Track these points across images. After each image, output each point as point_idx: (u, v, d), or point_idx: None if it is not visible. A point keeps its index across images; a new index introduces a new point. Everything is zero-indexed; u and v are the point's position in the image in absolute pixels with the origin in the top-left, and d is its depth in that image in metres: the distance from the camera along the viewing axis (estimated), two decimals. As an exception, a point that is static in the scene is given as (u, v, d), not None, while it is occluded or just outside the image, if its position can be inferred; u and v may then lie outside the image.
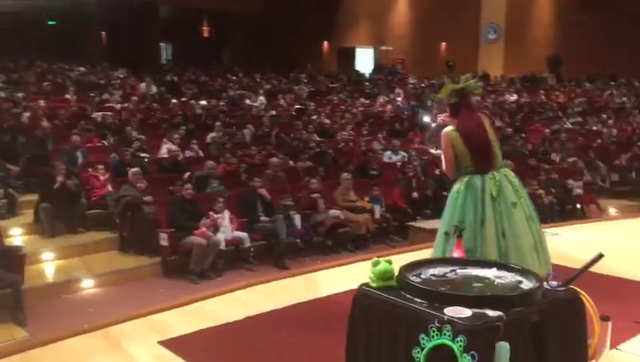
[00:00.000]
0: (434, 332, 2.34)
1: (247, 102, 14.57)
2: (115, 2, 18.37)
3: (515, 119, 15.69)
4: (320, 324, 4.10)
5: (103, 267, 6.86)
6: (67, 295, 6.21)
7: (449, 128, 3.61)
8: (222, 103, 14.05)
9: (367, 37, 24.65)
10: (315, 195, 8.16)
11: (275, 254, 7.39)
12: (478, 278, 2.80)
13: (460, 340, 2.24)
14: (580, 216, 10.29)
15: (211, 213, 7.15)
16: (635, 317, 3.78)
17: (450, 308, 2.39)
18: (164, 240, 6.85)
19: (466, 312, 2.35)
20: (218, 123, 11.04)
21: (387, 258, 2.79)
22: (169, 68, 19.50)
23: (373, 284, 2.71)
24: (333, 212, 8.07)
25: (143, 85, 15.32)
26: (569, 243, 6.14)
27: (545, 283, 2.60)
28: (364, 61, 24.66)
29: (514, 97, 19.05)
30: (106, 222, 7.90)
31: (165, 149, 9.32)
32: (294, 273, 5.37)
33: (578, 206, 10.38)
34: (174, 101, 13.77)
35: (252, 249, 7.27)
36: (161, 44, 23.19)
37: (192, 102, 13.27)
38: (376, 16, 24.20)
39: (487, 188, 3.63)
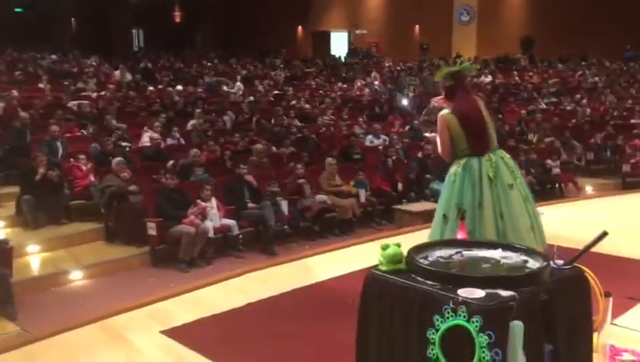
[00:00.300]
0: (448, 313, 2.38)
1: (225, 88, 14.42)
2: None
3: (491, 100, 15.86)
4: (316, 310, 4.16)
5: (90, 258, 6.78)
6: (56, 287, 6.14)
7: (445, 111, 3.64)
8: (200, 90, 13.87)
9: (341, 21, 24.58)
10: (301, 181, 8.17)
11: (263, 241, 7.39)
12: (484, 259, 2.85)
13: (476, 320, 2.29)
14: (559, 195, 10.54)
15: (199, 201, 7.11)
16: (627, 292, 3.90)
17: (464, 289, 2.43)
18: (152, 229, 6.79)
19: (480, 293, 2.40)
20: (198, 110, 10.93)
21: (395, 241, 2.83)
22: (142, 55, 19.16)
23: (383, 268, 2.74)
24: (320, 197, 8.10)
25: (117, 73, 15.06)
26: (553, 222, 6.24)
27: (551, 262, 2.66)
28: (339, 45, 24.59)
29: (489, 78, 19.23)
30: (89, 212, 7.81)
31: (147, 138, 9.21)
32: (287, 259, 5.39)
33: (557, 185, 10.60)
34: (151, 88, 13.58)
35: (241, 236, 7.25)
36: (133, 30, 22.75)
37: (170, 89, 13.08)
38: (350, 1, 24.12)
39: (484, 170, 3.69)
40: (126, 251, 7.06)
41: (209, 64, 18.36)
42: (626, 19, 22.50)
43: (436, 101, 4.09)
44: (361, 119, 12.04)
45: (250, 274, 4.99)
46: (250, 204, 7.58)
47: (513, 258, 2.87)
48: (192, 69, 17.40)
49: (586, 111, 14.63)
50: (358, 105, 13.87)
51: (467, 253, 2.94)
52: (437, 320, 2.43)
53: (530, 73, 20.71)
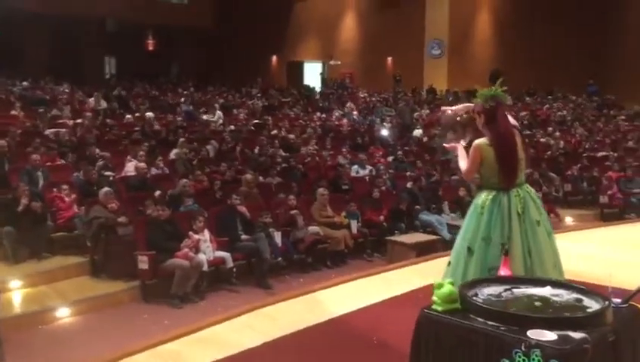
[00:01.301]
0: (520, 357, 2.28)
1: (205, 117, 14.24)
2: (57, 15, 17.58)
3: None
4: (338, 349, 3.99)
5: (76, 294, 6.43)
6: (43, 326, 5.79)
7: (482, 140, 3.57)
8: (179, 118, 13.66)
9: (315, 51, 24.80)
10: (293, 212, 8.02)
11: (258, 273, 7.18)
12: (536, 297, 2.77)
13: (553, 364, 2.19)
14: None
15: (191, 233, 6.88)
16: None
17: (533, 330, 2.34)
18: (143, 263, 6.51)
19: (551, 335, 2.31)
20: (182, 139, 10.71)
21: (448, 280, 2.73)
22: (115, 82, 18.85)
23: (439, 308, 2.63)
24: (313, 228, 7.96)
25: (91, 100, 14.73)
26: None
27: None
28: (313, 75, 24.75)
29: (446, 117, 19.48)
30: (73, 245, 7.48)
31: (131, 167, 8.94)
32: (295, 294, 5.20)
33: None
34: (129, 116, 13.30)
35: (235, 269, 7.03)
36: (105, 57, 22.43)
37: (150, 115, 12.82)
38: (325, 31, 24.42)
39: (512, 206, 3.62)
40: (114, 286, 6.73)
41: (185, 92, 18.18)
42: (588, 55, 23.41)
43: (451, 110, 4.03)
44: (344, 149, 11.99)
45: (259, 310, 4.79)
46: (244, 236, 7.38)
47: (564, 296, 2.80)
48: (167, 97, 17.18)
49: (559, 144, 14.96)
50: (339, 136, 13.87)
51: (517, 291, 2.86)
52: (506, 364, 2.33)
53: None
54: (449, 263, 3.85)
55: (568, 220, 11.29)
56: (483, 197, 3.66)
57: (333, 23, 24.72)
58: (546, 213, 3.92)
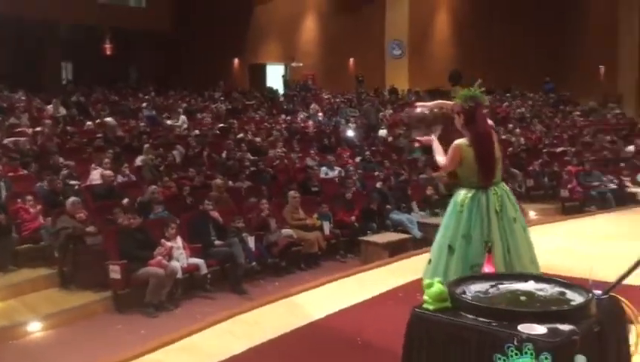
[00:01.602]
0: (512, 351, 2.34)
1: (169, 122, 14.05)
2: (9, 21, 17.04)
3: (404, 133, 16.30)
4: (324, 352, 4.00)
5: (46, 307, 6.27)
6: (14, 341, 5.62)
7: (462, 140, 3.63)
8: (142, 124, 13.43)
9: (277, 53, 24.74)
10: (264, 214, 8.01)
11: (233, 279, 7.14)
12: (521, 292, 2.84)
13: (545, 358, 2.26)
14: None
15: (163, 240, 6.78)
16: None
17: (524, 325, 2.41)
18: (115, 272, 6.39)
19: (541, 329, 2.38)
20: (147, 145, 10.54)
21: (437, 279, 2.78)
22: (72, 88, 18.38)
23: (430, 307, 2.67)
24: (286, 231, 7.96)
25: (49, 107, 14.33)
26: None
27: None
28: (275, 77, 24.68)
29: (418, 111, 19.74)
30: (39, 257, 7.28)
31: (96, 175, 8.74)
32: (274, 298, 5.18)
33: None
34: (89, 123, 13.02)
35: (209, 275, 6.96)
36: (62, 63, 21.85)
37: (111, 122, 12.57)
38: (286, 33, 24.39)
39: (490, 204, 3.71)
40: (85, 297, 6.58)
41: (146, 97, 17.87)
42: (545, 53, 24.08)
43: (422, 107, 4.08)
44: (312, 151, 12.02)
45: (240, 316, 4.76)
46: (217, 241, 7.32)
47: (548, 290, 2.88)
48: (128, 102, 16.86)
49: (520, 140, 15.34)
50: (305, 138, 13.88)
51: (503, 287, 2.93)
52: (499, 359, 2.38)
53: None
54: (429, 261, 3.92)
55: (532, 214, 11.59)
56: (462, 196, 3.73)
57: (294, 25, 24.72)
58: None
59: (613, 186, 11.65)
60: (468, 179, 3.72)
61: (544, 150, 14.49)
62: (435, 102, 4.22)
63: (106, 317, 6.33)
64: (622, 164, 13.02)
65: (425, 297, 2.71)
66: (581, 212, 10.93)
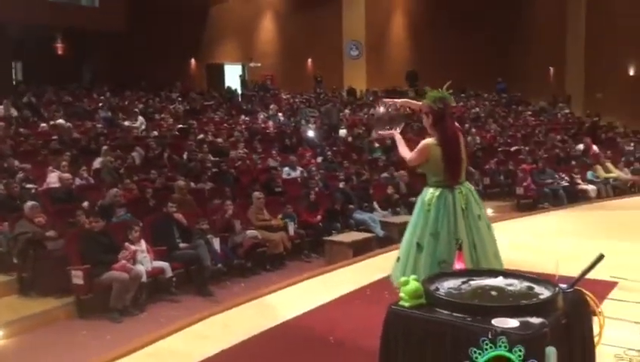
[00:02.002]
0: (487, 345, 2.44)
1: (127, 123, 13.79)
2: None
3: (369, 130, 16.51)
4: (298, 351, 4.04)
5: (6, 314, 6.09)
6: (-28, 351, 5.44)
7: (430, 140, 3.74)
8: (99, 126, 13.14)
9: (235, 53, 24.60)
10: (228, 215, 7.99)
11: (198, 281, 7.09)
12: (492, 287, 2.95)
13: (519, 350, 2.36)
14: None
15: (127, 244, 6.68)
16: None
17: (497, 319, 2.51)
18: (78, 277, 6.26)
19: (514, 322, 2.49)
20: (105, 147, 10.33)
21: (413, 276, 2.86)
22: (23, 88, 17.81)
23: (406, 304, 2.75)
24: (251, 232, 7.95)
25: (0, 108, 13.85)
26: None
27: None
28: (233, 77, 24.52)
29: (382, 110, 19.99)
30: (-5, 263, 7.06)
31: (54, 178, 8.53)
32: (244, 300, 5.19)
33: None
34: (43, 125, 12.67)
35: (174, 279, 6.90)
36: (12, 62, 21.11)
37: (69, 125, 12.27)
38: (243, 33, 24.28)
39: (457, 202, 3.84)
40: (46, 303, 6.42)
41: (101, 98, 17.48)
42: (497, 54, 24.74)
43: (388, 103, 4.16)
44: (274, 152, 12.02)
45: (210, 318, 4.75)
46: (182, 244, 7.26)
47: (517, 285, 3.01)
48: (83, 103, 16.45)
49: (475, 140, 15.73)
50: (266, 138, 13.87)
51: (474, 283, 3.03)
52: (474, 352, 2.48)
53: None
54: (398, 258, 4.01)
55: (489, 211, 11.90)
56: (429, 195, 3.85)
57: (252, 25, 24.64)
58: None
59: (565, 184, 12.11)
60: (435, 178, 3.83)
61: (499, 149, 14.91)
62: (402, 100, 4.33)
63: (68, 323, 6.19)
64: (573, 162, 13.53)
65: (401, 294, 2.79)
66: (535, 209, 11.32)
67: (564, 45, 22.70)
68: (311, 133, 14.53)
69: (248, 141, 13.04)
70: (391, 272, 4.08)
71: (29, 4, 17.52)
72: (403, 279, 2.81)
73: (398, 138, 4.00)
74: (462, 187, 3.89)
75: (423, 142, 3.76)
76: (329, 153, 12.25)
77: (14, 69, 21.39)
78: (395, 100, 4.22)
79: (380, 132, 4.27)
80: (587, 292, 2.94)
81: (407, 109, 4.40)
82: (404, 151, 3.96)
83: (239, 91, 22.14)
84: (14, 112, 13.78)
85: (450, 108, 3.84)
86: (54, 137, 11.50)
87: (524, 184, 12.24)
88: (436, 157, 3.74)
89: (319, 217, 8.94)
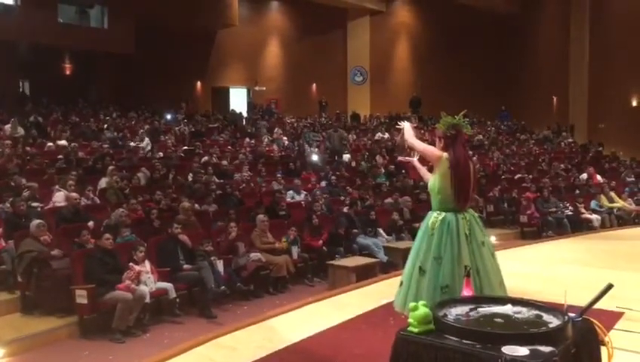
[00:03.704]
0: (497, 372, 2.44)
1: (132, 144, 13.88)
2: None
3: (392, 156, 16.63)
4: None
5: (8, 333, 6.08)
6: (-25, 370, 5.42)
7: (445, 154, 3.78)
8: (105, 146, 13.23)
9: (240, 77, 24.85)
10: (231, 236, 8.00)
11: (201, 303, 7.07)
12: (499, 315, 2.96)
13: (528, 378, 2.37)
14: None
15: (132, 264, 6.69)
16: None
17: (507, 346, 2.52)
18: (82, 297, 6.26)
19: (524, 350, 2.49)
20: (111, 167, 10.39)
21: (421, 302, 2.87)
22: (31, 108, 17.97)
23: (415, 330, 2.76)
24: (255, 255, 7.95)
25: (7, 127, 13.97)
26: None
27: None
28: (239, 100, 24.73)
29: (386, 135, 20.18)
30: (-1, 281, 7.08)
31: (60, 197, 8.57)
32: (248, 322, 5.17)
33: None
34: (50, 144, 12.77)
35: (178, 300, 6.89)
36: (20, 81, 21.31)
37: (74, 144, 12.36)
38: (249, 58, 24.56)
39: (460, 227, 3.86)
40: (49, 322, 6.42)
41: (107, 118, 17.63)
42: (500, 81, 24.95)
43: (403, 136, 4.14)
44: (279, 175, 12.07)
45: (216, 340, 4.74)
46: (185, 265, 7.26)
47: (525, 313, 3.02)
48: (90, 123, 16.58)
49: (478, 167, 15.79)
50: (270, 161, 13.94)
51: (482, 310, 3.04)
52: (484, 379, 2.48)
53: (422, 130, 22.04)
54: (401, 283, 4.02)
55: (492, 239, 11.88)
56: (432, 219, 3.88)
57: (258, 50, 24.94)
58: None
59: (569, 212, 12.11)
60: (441, 201, 3.86)
61: (503, 177, 14.95)
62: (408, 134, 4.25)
63: (71, 343, 6.18)
64: (577, 191, 13.55)
65: (410, 320, 2.79)
66: (539, 237, 11.32)
67: (568, 75, 22.89)
68: (315, 157, 14.60)
69: (252, 164, 13.11)
70: (394, 297, 4.09)
71: (39, 24, 17.77)
72: (412, 305, 2.82)
73: (418, 166, 4.07)
74: (466, 213, 3.92)
75: (439, 152, 3.82)
76: (333, 177, 12.29)
77: (22, 89, 21.56)
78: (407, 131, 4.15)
79: (400, 158, 4.42)
80: (596, 322, 2.94)
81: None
82: (426, 174, 4.09)
83: (244, 114, 22.32)
84: (21, 131, 13.88)
85: (463, 135, 3.88)
86: (60, 156, 11.58)
87: (528, 212, 12.24)
88: (445, 174, 3.76)
89: (322, 241, 8.92)
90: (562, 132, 21.63)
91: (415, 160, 4.07)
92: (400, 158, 4.30)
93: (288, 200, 10.70)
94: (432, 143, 4.13)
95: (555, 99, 23.96)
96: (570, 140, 20.85)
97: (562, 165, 16.28)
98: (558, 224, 11.81)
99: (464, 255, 3.84)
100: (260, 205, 9.45)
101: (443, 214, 3.83)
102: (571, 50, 22.87)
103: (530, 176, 14.69)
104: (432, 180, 3.93)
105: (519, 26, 24.80)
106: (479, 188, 13.67)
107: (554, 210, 12.08)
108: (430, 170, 4.14)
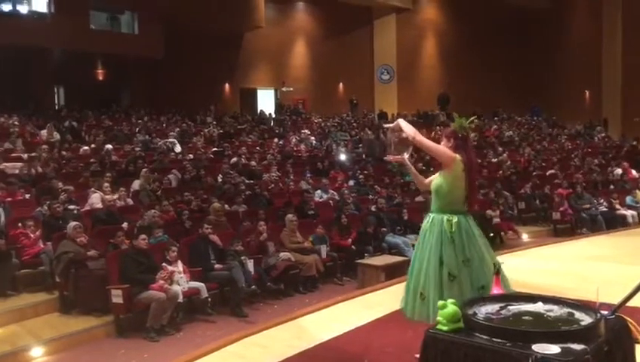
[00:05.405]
0: (528, 370, 2.44)
1: (165, 145, 14.10)
2: (4, 46, 17.10)
3: (420, 155, 16.52)
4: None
5: (48, 332, 6.27)
6: (17, 367, 5.61)
7: (457, 155, 3.66)
8: (137, 149, 13.49)
9: (267, 78, 25.00)
10: (262, 237, 8.09)
11: (233, 302, 7.17)
12: (530, 313, 2.95)
13: (560, 376, 2.36)
14: (499, 244, 11.04)
15: (165, 264, 6.82)
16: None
17: (538, 345, 2.51)
18: (117, 297, 6.41)
19: (555, 348, 2.48)
20: (145, 170, 10.59)
21: (449, 300, 2.88)
22: (67, 113, 18.43)
23: (444, 328, 2.77)
24: (284, 254, 8.02)
25: (43, 132, 14.36)
26: (517, 270, 6.48)
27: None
28: (266, 101, 24.90)
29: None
30: (38, 282, 7.30)
31: (96, 199, 8.78)
32: (279, 321, 5.24)
33: (499, 234, 11.13)
34: (86, 148, 13.08)
35: (209, 299, 7.00)
36: (54, 87, 21.87)
37: (108, 147, 12.64)
38: (276, 58, 24.70)
39: (473, 227, 3.78)
40: (86, 322, 6.59)
41: (139, 121, 17.95)
42: (530, 77, 24.58)
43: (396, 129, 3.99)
44: (307, 175, 12.14)
45: (247, 339, 4.81)
46: (217, 265, 7.37)
47: (557, 311, 3.00)
48: (122, 127, 16.91)
49: (507, 163, 15.57)
50: (298, 161, 14.02)
51: (512, 308, 3.03)
52: (515, 377, 2.48)
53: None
54: (422, 296, 3.70)
55: (524, 237, 11.77)
56: (446, 224, 3.66)
57: (284, 50, 25.07)
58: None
59: (603, 208, 11.89)
60: (449, 204, 3.71)
61: (534, 173, 14.74)
62: (397, 124, 3.88)
63: (108, 341, 6.33)
64: (611, 187, 13.28)
65: (439, 318, 2.81)
66: (573, 234, 11.14)
67: (600, 68, 22.43)
68: (342, 157, 14.62)
69: (281, 164, 13.20)
70: (411, 311, 3.77)
71: (72, 31, 18.19)
72: (441, 303, 2.83)
73: (409, 165, 3.89)
74: (469, 215, 3.82)
75: (451, 153, 3.65)
76: (361, 176, 12.29)
77: (57, 95, 22.11)
78: (391, 125, 3.92)
79: (388, 157, 4.02)
80: (629, 320, 2.90)
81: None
82: (417, 176, 3.95)
83: (272, 115, 22.47)
84: (57, 136, 14.25)
85: (470, 139, 3.82)
86: (93, 160, 11.85)
87: (561, 209, 12.05)
88: (459, 176, 3.65)
89: (351, 240, 8.94)
90: (596, 126, 21.20)
91: (406, 158, 3.82)
92: (389, 157, 4.04)
93: (316, 199, 10.75)
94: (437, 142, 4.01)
95: (587, 93, 23.51)
96: (603, 135, 20.43)
97: (596, 160, 15.97)
98: (592, 220, 11.60)
99: (486, 253, 3.78)
100: (289, 205, 9.52)
101: (456, 216, 3.69)
102: (604, 44, 22.41)
103: (562, 173, 14.43)
104: (440, 181, 3.70)
105: (549, 20, 24.41)
106: (509, 185, 13.53)
107: (588, 206, 11.87)
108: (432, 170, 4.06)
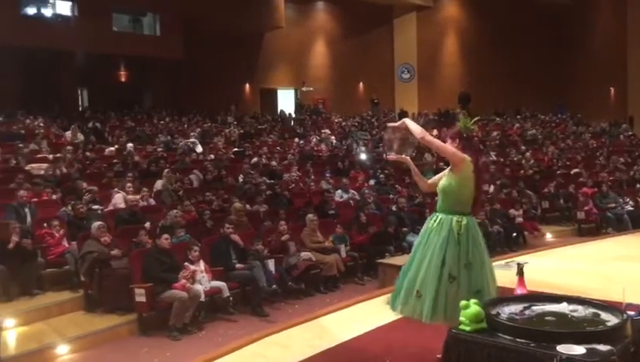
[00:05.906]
0: (552, 371, 2.41)
1: (188, 146, 14.22)
2: (27, 48, 17.43)
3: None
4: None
5: (73, 330, 6.35)
6: (44, 365, 5.70)
7: (467, 157, 3.61)
8: (159, 149, 13.63)
9: (287, 78, 25.06)
10: (284, 238, 8.11)
11: (254, 301, 7.20)
12: (555, 314, 2.92)
13: (586, 377, 2.32)
14: (522, 243, 10.90)
15: (187, 263, 6.88)
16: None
17: (563, 345, 2.48)
18: (141, 295, 6.48)
19: (580, 349, 2.45)
20: (167, 170, 10.69)
21: (473, 300, 2.86)
22: (90, 114, 18.72)
23: (467, 328, 2.75)
24: (305, 254, 8.04)
25: (68, 133, 14.58)
26: (541, 270, 6.38)
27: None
28: (286, 101, 24.97)
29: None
30: (63, 280, 7.41)
31: (119, 199, 8.89)
32: (300, 321, 5.26)
33: (522, 233, 10.99)
34: (111, 148, 13.26)
35: (231, 298, 7.04)
36: (78, 89, 22.21)
37: (130, 147, 12.80)
38: (296, 58, 24.74)
39: (478, 230, 3.72)
40: (110, 320, 6.66)
41: (161, 122, 18.13)
42: (553, 73, 24.23)
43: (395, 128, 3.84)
44: (328, 174, 12.14)
45: (268, 338, 4.83)
46: (238, 265, 7.41)
47: (582, 311, 2.96)
48: (144, 127, 17.10)
49: (530, 162, 15.38)
50: (319, 161, 14.02)
51: (536, 308, 3.00)
52: (539, 378, 2.45)
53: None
54: (418, 294, 3.64)
55: (548, 236, 11.61)
56: (456, 224, 3.61)
57: (304, 50, 25.10)
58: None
59: (629, 208, 11.68)
60: (456, 205, 3.65)
61: (558, 172, 14.53)
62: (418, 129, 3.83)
63: (131, 340, 6.40)
64: (637, 186, 13.03)
65: (461, 318, 2.79)
66: (598, 234, 10.96)
67: (626, 65, 22.02)
68: (363, 156, 14.59)
69: (301, 164, 13.22)
70: (406, 308, 3.77)
71: (95, 33, 18.45)
72: (463, 303, 2.81)
73: (412, 166, 3.85)
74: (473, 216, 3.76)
75: (461, 154, 3.59)
76: (381, 176, 12.25)
77: (81, 96, 22.44)
78: (394, 125, 3.90)
79: (390, 157, 3.97)
80: (656, 320, 2.85)
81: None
82: (420, 178, 3.88)
83: (292, 115, 22.50)
84: (81, 137, 14.46)
85: (474, 140, 3.78)
86: (116, 161, 12.00)
87: (586, 208, 11.86)
88: (469, 178, 3.60)
89: (367, 237, 8.92)
90: (621, 124, 20.82)
91: (409, 158, 3.78)
92: (390, 157, 3.93)
93: (337, 199, 10.74)
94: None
95: (612, 90, 23.12)
96: (629, 133, 20.06)
97: (621, 159, 15.69)
98: (618, 220, 11.40)
99: (486, 258, 3.72)
100: (310, 205, 9.53)
101: (464, 218, 3.62)
102: (629, 40, 22.00)
103: (587, 171, 14.20)
104: (448, 181, 3.64)
105: (572, 16, 24.05)
106: (533, 184, 13.36)
107: (613, 205, 11.67)
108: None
